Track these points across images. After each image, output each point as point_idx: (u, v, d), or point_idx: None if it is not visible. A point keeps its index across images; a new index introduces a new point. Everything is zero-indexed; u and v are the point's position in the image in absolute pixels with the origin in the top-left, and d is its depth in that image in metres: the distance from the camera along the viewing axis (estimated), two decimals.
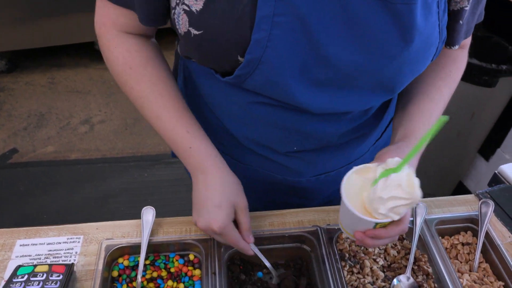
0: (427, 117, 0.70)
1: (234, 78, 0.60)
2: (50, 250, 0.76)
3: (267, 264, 0.74)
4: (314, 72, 0.58)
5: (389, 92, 0.66)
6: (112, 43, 0.68)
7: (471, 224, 0.86)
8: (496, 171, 0.97)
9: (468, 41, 0.77)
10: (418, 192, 0.55)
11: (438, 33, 0.61)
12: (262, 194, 0.90)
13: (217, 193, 0.67)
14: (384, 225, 0.60)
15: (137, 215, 0.80)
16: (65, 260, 0.75)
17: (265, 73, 0.58)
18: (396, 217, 0.57)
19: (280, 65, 0.57)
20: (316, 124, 0.70)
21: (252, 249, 0.72)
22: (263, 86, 0.61)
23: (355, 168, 0.61)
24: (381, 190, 0.56)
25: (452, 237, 0.86)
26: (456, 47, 0.69)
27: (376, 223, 0.59)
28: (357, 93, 0.63)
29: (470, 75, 1.66)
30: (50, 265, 0.69)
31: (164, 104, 0.69)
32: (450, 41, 0.68)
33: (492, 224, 0.85)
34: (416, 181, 0.55)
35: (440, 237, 0.85)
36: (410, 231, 0.83)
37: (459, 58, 0.77)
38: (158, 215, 0.81)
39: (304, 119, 0.69)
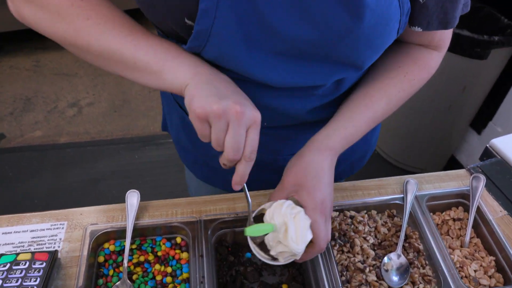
0: (353, 112, 0.68)
1: (189, 49, 0.58)
2: (33, 238, 0.74)
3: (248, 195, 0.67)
4: (262, 43, 0.56)
5: (353, 68, 0.62)
6: None
7: (463, 200, 0.86)
8: (487, 145, 0.95)
9: (446, 40, 0.70)
10: (293, 247, 0.58)
11: (398, 6, 0.56)
12: None
13: (239, 89, 0.58)
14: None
15: (124, 198, 0.78)
16: (49, 247, 0.73)
17: (216, 46, 0.56)
18: (297, 257, 0.62)
19: (230, 37, 0.54)
20: (283, 99, 0.68)
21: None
22: (218, 59, 0.59)
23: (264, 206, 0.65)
24: (268, 241, 0.62)
25: (443, 213, 0.86)
26: (418, 28, 0.62)
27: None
28: (316, 65, 0.60)
29: (462, 47, 1.63)
30: (32, 253, 0.67)
31: (132, 24, 0.59)
32: (410, 18, 0.61)
33: (483, 199, 0.84)
34: (293, 235, 0.58)
35: (431, 213, 0.84)
36: (401, 208, 0.82)
37: (424, 59, 0.70)
38: (149, 197, 0.79)
39: (269, 94, 0.66)
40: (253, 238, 0.64)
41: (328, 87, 0.69)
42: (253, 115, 0.53)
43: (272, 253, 0.61)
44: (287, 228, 0.58)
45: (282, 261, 0.62)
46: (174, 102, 0.86)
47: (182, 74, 0.56)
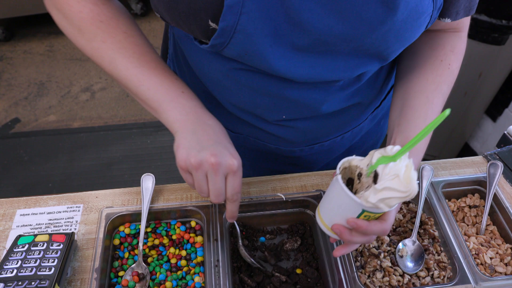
0: (426, 122, 0.65)
1: (211, 48, 0.57)
2: (50, 220, 0.75)
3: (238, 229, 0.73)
4: (290, 38, 0.55)
5: (379, 60, 0.61)
6: None
7: (479, 186, 0.84)
8: (505, 132, 0.93)
9: (467, 22, 0.70)
10: (415, 186, 0.51)
11: (432, 0, 0.56)
12: (257, 162, 0.88)
13: (227, 136, 0.62)
14: (368, 219, 0.56)
15: (139, 182, 0.78)
16: (65, 229, 0.74)
17: (241, 42, 0.54)
18: (386, 209, 0.53)
19: (256, 33, 0.53)
20: (303, 91, 0.66)
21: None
22: (240, 56, 0.57)
23: (353, 157, 0.58)
24: (382, 171, 0.53)
25: (459, 200, 0.84)
26: (447, 20, 0.62)
27: (363, 211, 0.55)
28: (341, 59, 0.59)
29: (479, 33, 1.59)
30: (50, 235, 0.68)
31: (143, 54, 0.63)
32: (443, 11, 0.61)
33: (500, 186, 0.83)
34: (414, 175, 0.52)
35: (447, 200, 0.83)
36: (416, 194, 0.81)
37: (457, 45, 0.71)
38: (161, 181, 0.79)
39: (289, 86, 0.65)
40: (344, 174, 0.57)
41: (349, 80, 0.68)
42: (229, 164, 0.58)
43: (372, 200, 0.52)
44: (410, 169, 0.52)
45: (373, 199, 0.53)
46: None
47: (173, 119, 0.62)
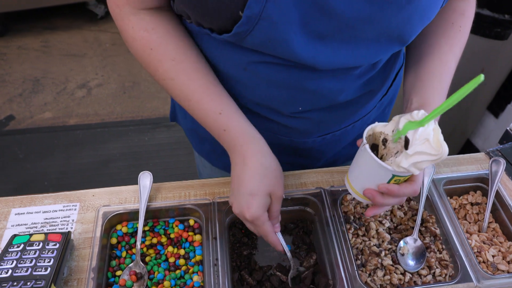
0: (441, 83, 0.67)
1: (233, 36, 0.56)
2: (46, 219, 0.75)
3: (288, 254, 0.72)
4: (316, 24, 0.55)
5: (399, 43, 0.62)
6: (128, 24, 0.63)
7: (481, 184, 0.84)
8: (508, 128, 0.93)
9: None
10: (445, 148, 0.54)
11: None
12: None
13: (254, 181, 0.63)
14: (398, 182, 0.59)
15: (137, 180, 0.78)
16: (62, 228, 0.73)
17: (265, 30, 0.54)
18: (416, 172, 0.56)
19: (281, 20, 0.53)
20: (322, 81, 0.67)
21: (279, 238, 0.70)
22: (263, 44, 0.57)
23: (376, 124, 0.61)
24: (412, 136, 0.55)
25: (461, 197, 0.84)
26: None
27: (393, 176, 0.57)
28: (364, 45, 0.59)
29: (481, 27, 1.59)
30: (46, 234, 0.68)
31: (191, 84, 0.65)
32: None
33: (502, 183, 0.83)
34: (442, 137, 0.54)
35: (448, 197, 0.83)
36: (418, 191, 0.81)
37: (467, 9, 0.73)
38: (159, 179, 0.79)
39: (309, 77, 0.65)
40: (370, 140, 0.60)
41: (365, 67, 0.69)
42: (244, 216, 0.64)
43: (404, 165, 0.55)
44: (438, 132, 0.55)
45: (416, 171, 0.56)
46: None
47: (233, 145, 0.66)
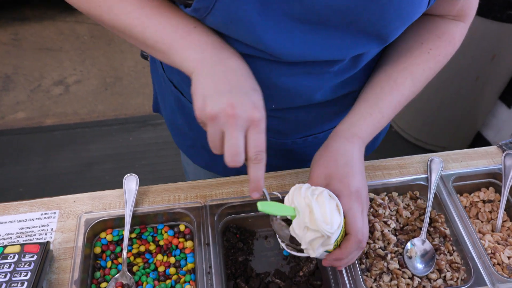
0: (378, 99, 0.68)
1: (193, 12, 0.56)
2: (22, 228, 0.75)
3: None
4: (280, 6, 0.54)
5: (377, 40, 0.61)
6: None
7: (494, 179, 0.85)
8: None
9: (471, 6, 0.70)
10: (322, 227, 0.55)
11: None
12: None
13: (251, 77, 0.58)
14: (337, 244, 0.60)
15: (121, 184, 0.78)
16: (40, 239, 0.73)
17: (226, 8, 0.54)
18: (330, 247, 0.59)
19: None
20: (296, 78, 0.66)
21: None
22: (226, 25, 0.57)
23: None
24: (294, 231, 0.58)
25: (472, 194, 0.85)
26: None
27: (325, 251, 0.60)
28: (337, 36, 0.59)
29: (492, 10, 1.60)
30: (22, 245, 0.68)
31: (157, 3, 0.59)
32: None
33: None
34: (319, 215, 0.55)
35: (458, 195, 0.83)
36: (425, 189, 0.82)
37: (451, 32, 0.70)
38: (146, 182, 0.79)
39: (280, 71, 0.65)
40: (281, 235, 0.62)
41: (344, 64, 0.68)
42: (250, 116, 0.53)
43: (303, 246, 0.58)
44: (312, 210, 0.56)
45: (314, 254, 0.59)
46: (167, 81, 0.85)
47: (186, 58, 0.57)
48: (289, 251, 0.62)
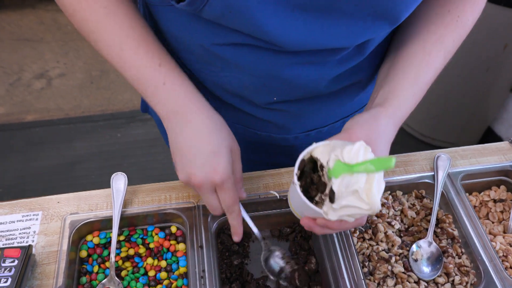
0: (418, 75, 0.66)
1: (188, 5, 0.56)
2: (1, 231, 0.75)
3: (255, 230, 0.72)
4: None
5: (387, 21, 0.60)
6: None
7: (505, 177, 0.86)
8: None
9: None
10: (376, 202, 0.52)
11: None
12: (246, 154, 0.88)
13: (213, 137, 0.63)
14: None
15: (109, 183, 0.78)
16: (21, 242, 0.73)
17: None
18: (351, 220, 0.56)
19: None
20: (297, 67, 0.66)
21: (243, 215, 0.70)
22: (224, 15, 0.57)
23: (314, 145, 0.59)
24: (338, 186, 0.53)
25: (482, 193, 0.86)
26: None
27: None
28: (344, 22, 0.58)
29: None
30: (1, 249, 0.67)
31: (127, 33, 0.64)
32: None
33: None
34: (376, 189, 0.52)
35: (467, 194, 0.84)
36: (431, 187, 0.82)
37: None
38: (135, 181, 0.80)
39: (281, 61, 0.65)
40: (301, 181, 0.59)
41: (349, 52, 0.67)
42: (211, 181, 0.63)
43: (335, 205, 0.54)
44: (372, 180, 0.52)
45: (333, 217, 0.55)
46: None
47: (158, 112, 0.66)
48: (308, 204, 0.57)
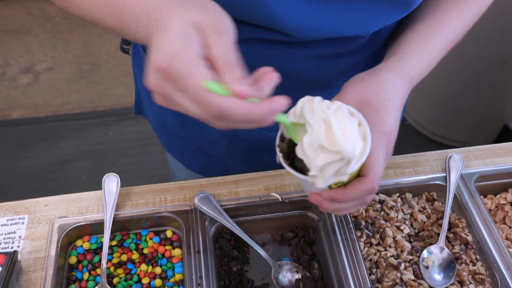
0: (428, 34, 0.65)
1: None
2: None
3: (264, 255, 0.72)
4: None
5: (402, 6, 0.61)
6: None
7: None
8: None
9: None
10: (345, 146, 0.49)
11: None
12: (249, 154, 0.88)
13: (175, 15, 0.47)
14: (343, 184, 0.55)
15: (100, 185, 0.78)
16: (5, 248, 0.73)
17: None
18: (343, 178, 0.53)
19: None
20: (309, 62, 0.67)
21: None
22: (232, 3, 0.57)
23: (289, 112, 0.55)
24: (303, 151, 0.52)
25: (498, 196, 0.86)
26: None
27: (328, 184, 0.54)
28: (359, 7, 0.59)
29: None
30: None
31: None
32: None
33: None
34: (339, 132, 0.49)
35: (482, 197, 0.84)
36: (443, 189, 0.82)
37: None
38: (129, 182, 0.80)
39: (292, 57, 0.65)
40: (289, 158, 0.57)
41: (361, 43, 0.68)
42: (157, 67, 0.45)
43: (312, 172, 0.51)
44: (330, 125, 0.49)
45: (323, 183, 0.52)
46: None
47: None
48: (297, 175, 0.55)
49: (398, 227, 0.79)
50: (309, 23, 0.59)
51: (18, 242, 0.74)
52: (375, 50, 0.71)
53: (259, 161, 0.90)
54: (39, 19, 2.87)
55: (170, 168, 1.11)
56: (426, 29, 0.66)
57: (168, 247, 0.76)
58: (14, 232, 0.75)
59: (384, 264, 0.74)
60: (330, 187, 0.55)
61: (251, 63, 0.66)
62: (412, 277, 0.73)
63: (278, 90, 0.72)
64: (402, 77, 0.62)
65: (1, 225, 0.76)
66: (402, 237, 0.77)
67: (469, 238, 0.78)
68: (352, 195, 0.55)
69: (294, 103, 0.74)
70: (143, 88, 0.95)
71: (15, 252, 0.70)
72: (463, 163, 0.84)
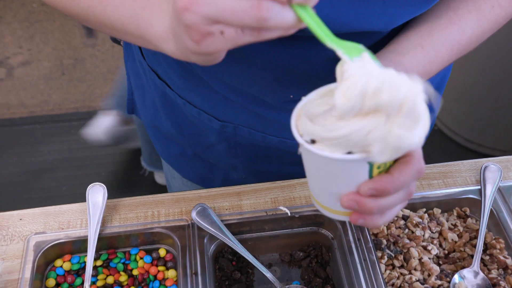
0: (431, 29, 0.66)
1: None
2: None
3: (271, 278, 0.72)
4: None
5: (421, 2, 0.62)
6: None
7: None
8: None
9: None
10: (337, 98, 0.48)
11: None
12: (252, 163, 0.89)
13: None
14: (386, 169, 0.52)
15: (84, 196, 0.79)
16: None
17: None
18: (374, 149, 0.47)
19: None
20: (320, 59, 0.67)
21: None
22: None
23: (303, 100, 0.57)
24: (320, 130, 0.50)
25: None
26: None
27: (371, 164, 0.50)
28: (379, 2, 0.60)
29: None
30: None
31: None
32: None
33: None
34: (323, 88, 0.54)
35: None
36: (477, 204, 0.82)
37: None
38: (116, 193, 0.80)
39: (298, 52, 0.66)
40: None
41: (379, 40, 0.69)
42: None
43: (341, 131, 0.48)
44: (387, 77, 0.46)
45: (382, 156, 0.47)
46: (148, 72, 0.86)
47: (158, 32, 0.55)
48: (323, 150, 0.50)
49: (424, 247, 0.79)
50: (322, 16, 0.60)
51: None
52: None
53: (265, 171, 0.91)
54: (12, 5, 2.88)
55: (165, 176, 1.11)
56: (435, 20, 0.67)
57: (161, 268, 0.77)
58: None
59: None
60: (371, 176, 0.52)
61: (250, 57, 0.67)
62: None
63: (283, 90, 0.73)
64: (398, 68, 0.62)
65: None
66: (429, 258, 0.78)
67: (508, 261, 0.78)
68: (401, 181, 0.51)
69: (295, 104, 0.75)
70: (137, 85, 0.96)
71: None
72: (501, 174, 0.84)
